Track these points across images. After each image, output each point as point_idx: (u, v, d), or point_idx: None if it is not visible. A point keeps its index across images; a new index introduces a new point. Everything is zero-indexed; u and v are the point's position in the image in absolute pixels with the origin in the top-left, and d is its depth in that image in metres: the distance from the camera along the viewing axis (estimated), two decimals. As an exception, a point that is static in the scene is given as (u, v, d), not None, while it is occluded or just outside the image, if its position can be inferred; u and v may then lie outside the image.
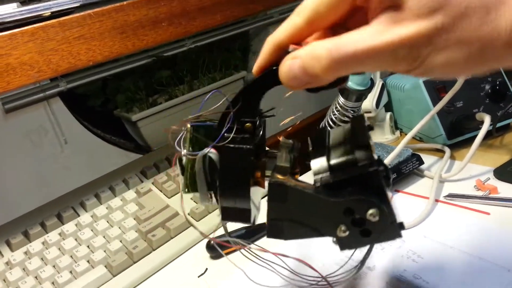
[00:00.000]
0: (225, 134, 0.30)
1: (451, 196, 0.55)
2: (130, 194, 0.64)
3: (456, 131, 0.66)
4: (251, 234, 0.55)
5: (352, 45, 0.23)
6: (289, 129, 0.48)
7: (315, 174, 0.29)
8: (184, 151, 0.32)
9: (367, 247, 0.32)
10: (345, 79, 0.28)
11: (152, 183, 0.67)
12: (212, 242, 0.54)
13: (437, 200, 0.56)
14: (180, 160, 0.33)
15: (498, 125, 0.65)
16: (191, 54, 0.86)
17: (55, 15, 0.51)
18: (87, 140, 0.79)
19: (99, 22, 0.52)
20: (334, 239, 0.30)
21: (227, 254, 0.54)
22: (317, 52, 0.24)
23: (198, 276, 0.52)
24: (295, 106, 1.00)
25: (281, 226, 0.31)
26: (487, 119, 0.59)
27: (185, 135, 0.32)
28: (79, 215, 0.62)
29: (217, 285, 0.50)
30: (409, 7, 0.22)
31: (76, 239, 0.58)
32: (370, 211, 0.27)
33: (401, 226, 0.28)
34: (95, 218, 0.61)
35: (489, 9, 0.21)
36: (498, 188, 0.54)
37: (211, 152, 0.31)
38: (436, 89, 0.67)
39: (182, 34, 0.57)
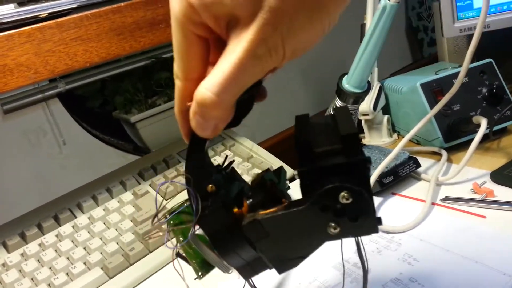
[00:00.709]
0: (198, 208, 0.30)
1: (448, 199, 0.55)
2: (127, 196, 0.64)
3: (453, 134, 0.66)
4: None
5: (220, 76, 0.24)
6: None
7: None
8: (177, 247, 0.33)
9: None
10: (253, 96, 0.29)
11: (150, 185, 0.67)
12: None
13: (433, 203, 0.56)
14: (179, 254, 0.34)
15: (495, 128, 0.65)
16: None
17: (52, 16, 0.51)
18: (85, 142, 0.79)
19: (96, 24, 0.52)
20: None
21: (223, 256, 0.54)
22: (200, 98, 0.25)
23: (195, 278, 0.52)
24: (293, 110, 1.01)
25: (282, 259, 0.30)
26: (483, 123, 0.60)
27: (169, 231, 0.33)
28: (76, 217, 0.62)
29: (214, 287, 0.50)
30: (239, 16, 0.23)
31: (72, 241, 0.58)
32: (341, 194, 0.26)
33: (378, 220, 0.27)
34: (92, 220, 0.61)
35: None
36: (494, 191, 0.54)
37: (197, 230, 0.31)
38: (433, 92, 0.67)
39: (179, 36, 0.57)
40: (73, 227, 0.60)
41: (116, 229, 0.59)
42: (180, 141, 0.77)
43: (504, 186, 0.56)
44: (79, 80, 0.76)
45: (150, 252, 0.56)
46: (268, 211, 0.28)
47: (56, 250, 0.56)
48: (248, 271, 0.33)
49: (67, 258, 0.56)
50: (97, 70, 0.78)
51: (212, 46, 0.27)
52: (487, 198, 0.54)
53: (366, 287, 0.34)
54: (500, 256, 0.45)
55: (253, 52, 0.23)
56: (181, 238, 0.33)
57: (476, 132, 0.60)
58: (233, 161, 0.35)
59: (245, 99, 0.27)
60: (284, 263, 0.31)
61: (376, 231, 0.27)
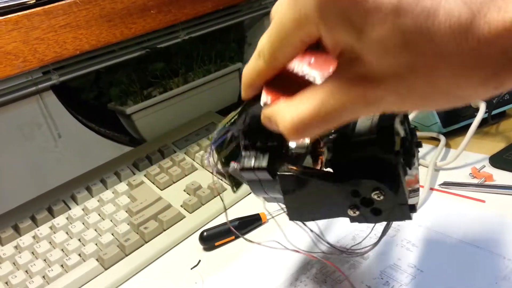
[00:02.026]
0: (243, 153, 0.32)
1: (446, 184, 0.55)
2: (122, 186, 0.64)
3: (451, 119, 0.66)
4: (245, 225, 0.54)
5: (308, 112, 0.21)
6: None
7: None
8: (216, 168, 0.35)
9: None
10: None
11: (144, 175, 0.66)
12: (205, 233, 0.53)
13: (432, 189, 0.55)
14: (218, 171, 0.36)
15: (494, 112, 0.64)
16: (185, 45, 0.86)
17: (39, 2, 0.49)
18: (81, 134, 0.79)
19: (86, 10, 0.50)
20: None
21: (219, 246, 0.53)
22: (280, 120, 0.23)
23: (191, 268, 0.51)
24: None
25: (299, 211, 0.32)
26: (482, 106, 0.59)
27: (212, 155, 0.35)
28: (70, 208, 0.61)
29: (210, 277, 0.49)
30: (364, 60, 0.19)
31: (67, 232, 0.57)
32: (374, 192, 0.27)
33: (412, 208, 0.29)
34: (86, 211, 0.60)
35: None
36: (493, 175, 0.54)
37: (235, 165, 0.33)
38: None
39: (171, 21, 0.56)
40: (67, 218, 0.59)
41: (111, 220, 0.58)
42: (175, 131, 0.77)
43: (503, 170, 0.55)
44: (73, 72, 0.76)
45: (146, 242, 0.56)
46: (306, 171, 0.30)
47: (50, 242, 0.56)
48: (271, 200, 0.35)
49: (62, 250, 0.55)
50: (91, 62, 0.78)
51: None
52: (486, 183, 0.53)
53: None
54: (500, 240, 0.44)
55: (366, 103, 0.20)
56: (224, 162, 0.35)
57: (475, 116, 0.59)
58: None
59: None
60: (298, 215, 0.33)
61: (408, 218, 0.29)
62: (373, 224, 0.50)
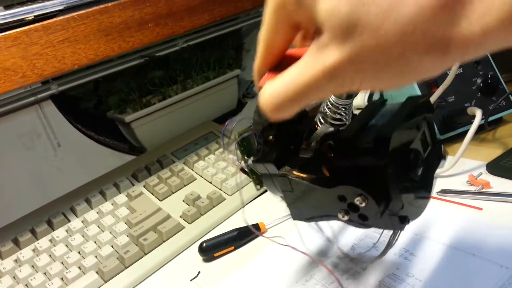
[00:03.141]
0: (257, 148, 0.36)
1: (444, 192, 0.55)
2: (121, 198, 0.64)
3: (448, 126, 0.66)
4: (243, 235, 0.54)
5: (286, 86, 0.23)
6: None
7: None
8: (239, 163, 0.40)
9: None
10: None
11: (144, 186, 0.66)
12: (204, 244, 0.54)
13: (429, 196, 0.55)
14: (242, 169, 0.41)
15: (490, 118, 0.65)
16: (184, 53, 0.86)
17: (38, 19, 0.50)
18: (80, 143, 0.78)
19: (84, 25, 0.51)
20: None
21: (218, 257, 0.54)
22: (262, 98, 0.25)
23: (191, 280, 0.51)
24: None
25: (299, 211, 0.34)
26: (478, 113, 0.59)
27: (237, 148, 0.40)
28: (69, 221, 0.61)
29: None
30: (326, 30, 0.20)
31: (67, 245, 0.57)
32: (356, 198, 0.29)
33: (402, 219, 0.30)
34: (85, 223, 0.60)
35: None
36: (490, 182, 0.54)
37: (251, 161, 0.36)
38: (427, 84, 0.67)
39: (169, 34, 0.57)
40: (66, 231, 0.59)
41: (110, 232, 0.58)
42: (173, 140, 0.77)
43: (500, 177, 0.55)
44: (72, 81, 0.76)
45: (146, 254, 0.56)
46: (300, 174, 0.32)
47: (50, 255, 0.56)
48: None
49: (62, 262, 0.55)
50: (90, 71, 0.78)
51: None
52: (484, 190, 0.53)
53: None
54: (498, 248, 0.44)
55: (327, 76, 0.21)
56: (246, 157, 0.39)
57: (471, 123, 0.59)
58: (307, 113, 0.38)
59: None
60: (298, 215, 0.35)
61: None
62: (381, 231, 0.51)
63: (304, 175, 0.32)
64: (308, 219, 0.35)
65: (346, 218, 0.30)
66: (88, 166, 0.77)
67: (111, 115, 0.81)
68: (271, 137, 0.34)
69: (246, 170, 0.39)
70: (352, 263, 0.47)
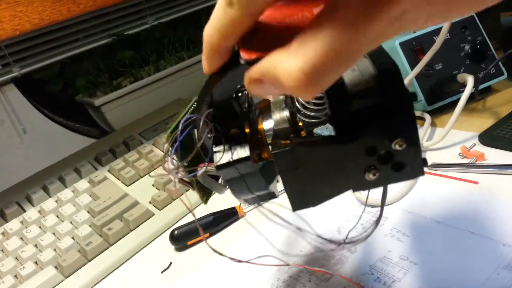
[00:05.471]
0: (214, 148, 0.28)
1: (435, 165, 0.51)
2: (83, 183, 0.58)
3: (436, 96, 0.62)
4: (219, 220, 0.49)
5: (320, 53, 0.17)
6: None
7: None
8: (179, 174, 0.29)
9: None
10: None
11: (108, 171, 0.61)
12: (176, 232, 0.48)
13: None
14: (181, 180, 0.31)
15: (480, 87, 0.61)
16: (155, 31, 0.82)
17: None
18: (48, 129, 0.76)
19: (25, -15, 0.44)
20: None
21: (192, 245, 0.49)
22: (283, 72, 0.19)
23: (162, 272, 0.46)
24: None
25: (305, 195, 0.27)
26: (470, 80, 0.55)
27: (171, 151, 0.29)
28: (24, 211, 0.55)
29: (182, 280, 0.44)
30: None
31: (21, 238, 0.52)
32: (395, 141, 0.23)
33: (424, 161, 0.25)
34: (42, 213, 0.54)
35: None
36: (485, 154, 0.50)
37: (210, 168, 0.28)
38: (413, 50, 0.62)
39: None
40: (21, 222, 0.53)
41: (70, 222, 0.53)
42: (141, 120, 0.71)
43: (495, 148, 0.51)
44: (35, 63, 0.73)
45: (111, 245, 0.50)
46: (306, 140, 0.26)
47: (2, 250, 0.50)
48: (254, 201, 0.31)
49: (15, 258, 0.49)
50: (54, 52, 0.75)
51: None
52: (478, 162, 0.49)
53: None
54: (497, 224, 0.40)
55: (382, 24, 0.17)
56: (185, 163, 0.29)
57: (461, 92, 0.55)
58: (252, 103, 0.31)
59: None
60: (301, 202, 0.28)
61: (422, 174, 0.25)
62: (361, 213, 0.46)
63: (312, 140, 0.25)
64: (312, 203, 0.28)
65: (376, 175, 0.25)
66: (57, 153, 0.73)
67: (79, 99, 0.78)
68: (234, 130, 0.27)
69: (188, 181, 0.31)
70: (339, 248, 0.42)
